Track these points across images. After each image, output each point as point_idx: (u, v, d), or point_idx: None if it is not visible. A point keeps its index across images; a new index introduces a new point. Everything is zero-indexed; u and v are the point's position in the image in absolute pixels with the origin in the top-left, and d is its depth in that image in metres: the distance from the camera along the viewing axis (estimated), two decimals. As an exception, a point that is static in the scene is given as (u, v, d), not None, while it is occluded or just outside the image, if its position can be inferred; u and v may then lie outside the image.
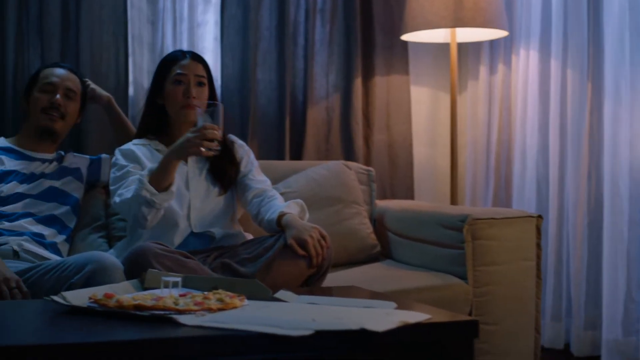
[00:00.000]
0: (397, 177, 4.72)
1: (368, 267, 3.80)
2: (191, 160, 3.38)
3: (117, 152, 3.39)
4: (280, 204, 3.27)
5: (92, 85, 3.73)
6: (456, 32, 4.48)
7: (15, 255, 3.17)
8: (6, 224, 3.27)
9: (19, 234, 3.26)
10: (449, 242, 3.52)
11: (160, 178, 3.10)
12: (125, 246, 3.33)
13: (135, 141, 3.43)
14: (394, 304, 2.39)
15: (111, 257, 2.85)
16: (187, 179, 3.36)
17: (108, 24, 4.16)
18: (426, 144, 4.94)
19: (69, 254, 3.44)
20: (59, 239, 3.40)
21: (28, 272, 2.96)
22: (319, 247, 3.02)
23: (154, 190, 3.07)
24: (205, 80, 3.41)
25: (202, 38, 4.42)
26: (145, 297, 2.34)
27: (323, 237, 3.05)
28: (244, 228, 3.53)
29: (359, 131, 4.57)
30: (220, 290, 2.47)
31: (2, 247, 3.18)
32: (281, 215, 3.17)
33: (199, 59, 3.45)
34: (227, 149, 3.43)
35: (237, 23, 4.41)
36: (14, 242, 3.21)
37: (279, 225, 3.15)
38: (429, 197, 4.92)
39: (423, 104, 4.93)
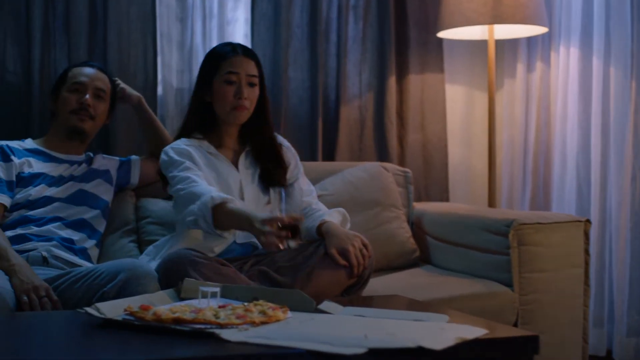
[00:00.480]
0: (432, 179, 4.58)
1: (407, 273, 3.69)
2: (242, 166, 3.24)
3: (168, 150, 3.17)
4: (321, 213, 3.14)
5: (122, 85, 3.62)
6: (494, 29, 4.34)
7: (45, 261, 3.06)
8: (34, 229, 3.16)
9: (48, 239, 3.15)
10: (494, 248, 3.41)
11: (224, 222, 2.92)
12: (163, 244, 3.22)
13: (184, 141, 3.22)
14: (446, 317, 2.27)
15: (145, 265, 2.74)
16: (241, 188, 3.19)
17: (136, 21, 4.03)
18: (461, 144, 4.81)
19: (98, 260, 3.33)
20: (89, 244, 3.28)
21: (58, 280, 2.86)
22: (360, 256, 2.91)
23: (212, 226, 2.91)
24: (257, 81, 3.22)
25: (232, 36, 4.31)
26: (184, 309, 2.22)
27: (365, 245, 2.93)
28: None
29: (393, 131, 4.44)
30: (261, 301, 2.35)
31: (31, 253, 3.07)
32: (322, 223, 3.04)
33: (251, 55, 3.26)
34: (277, 154, 3.29)
35: (268, 20, 4.29)
36: (42, 247, 3.10)
37: (319, 234, 3.03)
38: (464, 199, 4.79)
39: (457, 102, 4.80)
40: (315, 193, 3.34)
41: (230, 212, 2.88)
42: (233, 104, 3.17)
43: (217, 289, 2.40)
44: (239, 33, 4.33)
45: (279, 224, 2.66)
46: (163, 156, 3.18)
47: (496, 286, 3.34)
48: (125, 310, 2.23)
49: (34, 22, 3.85)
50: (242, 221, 2.85)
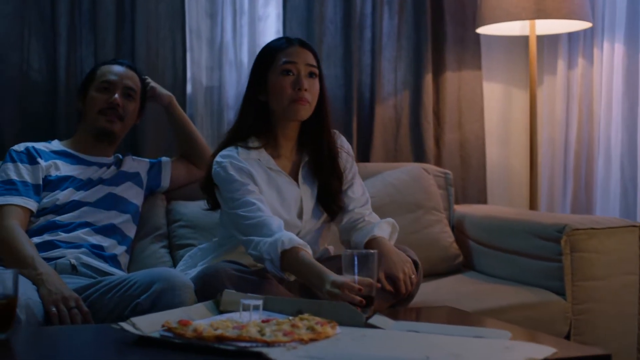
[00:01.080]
0: (469, 179, 4.43)
1: (451, 279, 3.56)
2: (302, 181, 2.98)
3: (227, 166, 2.86)
4: (371, 226, 2.92)
5: (152, 84, 3.47)
6: (535, 24, 4.18)
7: (73, 269, 2.92)
8: (63, 235, 3.01)
9: (77, 245, 2.99)
10: (544, 254, 3.27)
11: (292, 268, 2.68)
12: (201, 253, 3.06)
13: (241, 153, 2.89)
14: (508, 334, 2.10)
15: (181, 275, 2.60)
16: (300, 205, 2.96)
17: (165, 17, 3.89)
18: (498, 144, 4.65)
19: (128, 267, 3.18)
20: (119, 250, 3.13)
21: (88, 290, 2.72)
22: (409, 284, 2.73)
23: (278, 269, 2.68)
24: (317, 71, 2.91)
25: (264, 32, 4.16)
26: (226, 325, 2.07)
27: (414, 270, 2.76)
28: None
29: (429, 130, 4.29)
30: (306, 315, 2.19)
31: (59, 260, 2.92)
32: (371, 239, 2.84)
33: (308, 47, 2.95)
34: (336, 166, 3.02)
35: (300, 16, 4.14)
36: (71, 255, 2.95)
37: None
38: (501, 200, 4.64)
39: (495, 100, 4.65)
40: (369, 202, 3.07)
41: (301, 262, 2.64)
42: (292, 96, 2.85)
43: (260, 302, 2.25)
44: (271, 29, 4.18)
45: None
46: (218, 170, 2.86)
47: (547, 295, 3.20)
48: (163, 325, 2.07)
49: (59, 18, 3.71)
50: (312, 276, 2.59)
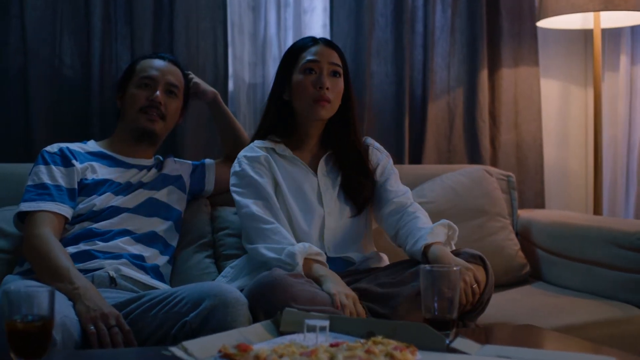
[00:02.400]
0: (526, 182, 4.20)
1: (519, 291, 3.33)
2: (321, 171, 2.92)
3: (241, 158, 2.89)
4: (423, 227, 2.72)
5: (196, 79, 3.24)
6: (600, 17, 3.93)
7: (112, 282, 2.65)
8: (100, 244, 2.75)
9: (116, 256, 2.74)
10: (624, 264, 3.05)
11: (306, 271, 2.59)
12: (243, 264, 2.86)
13: (256, 143, 2.93)
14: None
15: (233, 290, 2.34)
16: (319, 192, 2.88)
17: (205, 9, 3.69)
18: (555, 144, 4.42)
19: (170, 278, 2.93)
20: (161, 260, 2.89)
21: (129, 305, 2.46)
22: (470, 294, 2.50)
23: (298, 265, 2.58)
24: (341, 70, 2.87)
25: (309, 25, 3.96)
26: (292, 351, 1.80)
27: (477, 281, 2.52)
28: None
29: (485, 130, 4.05)
30: (380, 338, 1.92)
31: (96, 272, 2.66)
32: (427, 246, 2.62)
33: (333, 46, 2.92)
34: (363, 162, 2.94)
35: (348, 8, 3.92)
36: (110, 266, 2.69)
37: (427, 261, 2.60)
38: (559, 204, 4.41)
39: (552, 99, 4.43)
40: (410, 194, 2.94)
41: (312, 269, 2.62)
42: (313, 95, 2.82)
43: (326, 322, 1.98)
44: (317, 23, 3.98)
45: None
46: (234, 164, 2.92)
47: (631, 309, 2.97)
48: (220, 351, 1.81)
49: (93, 11, 3.53)
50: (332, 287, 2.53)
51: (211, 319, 2.25)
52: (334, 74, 2.86)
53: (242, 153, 2.92)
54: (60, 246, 2.63)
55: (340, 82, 2.87)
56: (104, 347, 2.28)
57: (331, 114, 2.88)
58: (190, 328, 2.26)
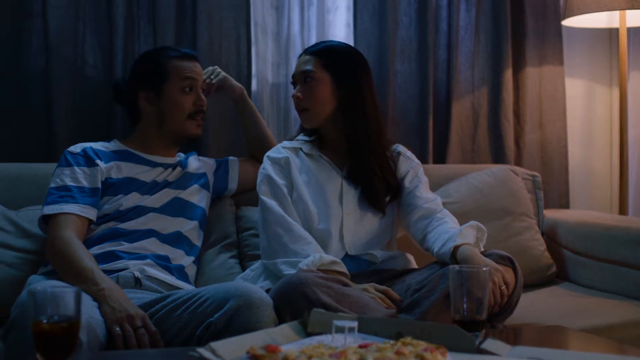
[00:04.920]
0: (551, 183, 4.15)
1: (546, 292, 3.29)
2: (346, 172, 2.91)
3: (265, 158, 2.95)
4: (450, 230, 2.70)
5: (223, 74, 3.21)
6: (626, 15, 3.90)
7: (137, 283, 2.63)
8: (126, 245, 2.73)
9: (141, 256, 2.72)
10: None
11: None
12: (264, 267, 2.84)
13: (284, 143, 2.99)
14: (650, 363, 1.80)
15: (258, 291, 2.32)
16: (341, 191, 2.87)
17: (228, 9, 3.66)
18: (580, 145, 4.37)
19: (195, 279, 2.90)
20: (187, 261, 2.86)
21: (154, 306, 2.44)
22: (498, 295, 2.48)
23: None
24: (314, 75, 2.90)
25: (333, 25, 3.94)
26: (321, 352, 1.77)
27: (506, 283, 2.49)
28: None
29: (509, 129, 4.01)
30: (410, 339, 1.89)
31: (121, 273, 2.64)
32: (456, 247, 2.60)
33: (310, 52, 2.97)
34: (388, 166, 2.93)
35: (372, 8, 3.88)
36: (135, 267, 2.67)
37: (455, 262, 2.57)
38: (584, 204, 4.36)
39: (577, 98, 4.37)
40: (439, 201, 2.93)
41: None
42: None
43: (355, 323, 1.95)
44: (340, 22, 3.96)
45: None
46: (262, 166, 2.98)
47: (662, 311, 2.92)
48: (248, 352, 1.79)
49: (116, 9, 3.50)
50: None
51: (236, 319, 2.23)
52: (305, 79, 2.89)
53: (268, 153, 2.96)
54: (83, 248, 2.60)
55: (314, 85, 2.88)
56: (129, 348, 2.27)
57: (317, 121, 2.91)
58: (215, 328, 2.24)
